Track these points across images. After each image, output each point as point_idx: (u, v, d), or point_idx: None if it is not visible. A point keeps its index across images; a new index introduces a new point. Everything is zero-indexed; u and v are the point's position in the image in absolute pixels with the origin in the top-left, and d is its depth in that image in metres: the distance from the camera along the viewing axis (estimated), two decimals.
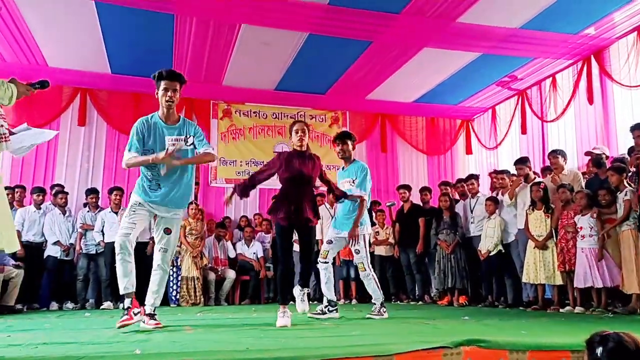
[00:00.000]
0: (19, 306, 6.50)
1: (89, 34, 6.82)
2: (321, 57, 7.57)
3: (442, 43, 7.16)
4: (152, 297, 3.87)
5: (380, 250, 8.05)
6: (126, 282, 3.71)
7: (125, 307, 3.70)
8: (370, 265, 4.87)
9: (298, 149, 4.19)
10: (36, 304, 7.07)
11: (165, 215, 3.89)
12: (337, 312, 4.81)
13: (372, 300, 4.89)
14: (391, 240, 8.01)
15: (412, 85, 8.81)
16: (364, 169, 4.88)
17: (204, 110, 9.36)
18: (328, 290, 4.87)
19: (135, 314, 3.65)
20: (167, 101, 3.78)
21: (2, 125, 2.54)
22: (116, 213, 7.31)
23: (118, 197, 7.47)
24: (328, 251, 4.95)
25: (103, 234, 7.32)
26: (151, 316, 3.79)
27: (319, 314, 4.72)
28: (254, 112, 9.63)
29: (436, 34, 6.85)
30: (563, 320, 4.46)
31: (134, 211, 3.80)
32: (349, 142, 4.90)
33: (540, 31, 6.75)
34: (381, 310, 4.78)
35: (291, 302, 4.16)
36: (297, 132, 4.19)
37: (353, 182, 4.83)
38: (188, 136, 3.87)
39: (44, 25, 6.66)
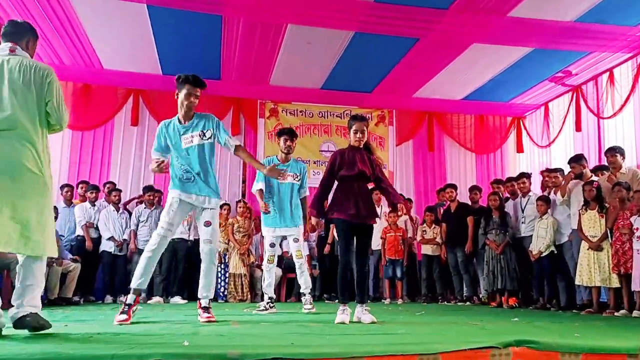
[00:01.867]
0: (76, 298, 6.82)
1: (141, 37, 7.05)
2: (367, 55, 7.52)
3: (493, 39, 6.97)
4: (204, 290, 3.99)
5: (427, 250, 7.95)
6: (143, 280, 3.80)
7: (128, 302, 3.69)
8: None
9: (355, 144, 4.10)
10: (92, 296, 7.37)
11: (202, 206, 3.95)
12: (274, 308, 5.25)
13: (302, 290, 5.40)
14: (438, 239, 7.89)
15: (460, 83, 8.63)
16: (306, 169, 5.52)
17: (252, 110, 9.48)
18: (270, 289, 5.34)
19: (134, 312, 3.70)
20: (187, 105, 3.92)
21: None
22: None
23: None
24: (274, 255, 5.38)
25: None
26: (205, 309, 3.92)
27: (263, 310, 5.11)
28: (301, 111, 9.69)
29: (486, 29, 6.67)
30: (619, 324, 4.27)
31: (173, 210, 3.90)
32: (295, 140, 5.35)
33: (596, 24, 6.47)
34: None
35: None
36: (355, 133, 4.06)
37: (295, 177, 5.28)
38: (205, 130, 3.97)
39: (100, 30, 6.92)
